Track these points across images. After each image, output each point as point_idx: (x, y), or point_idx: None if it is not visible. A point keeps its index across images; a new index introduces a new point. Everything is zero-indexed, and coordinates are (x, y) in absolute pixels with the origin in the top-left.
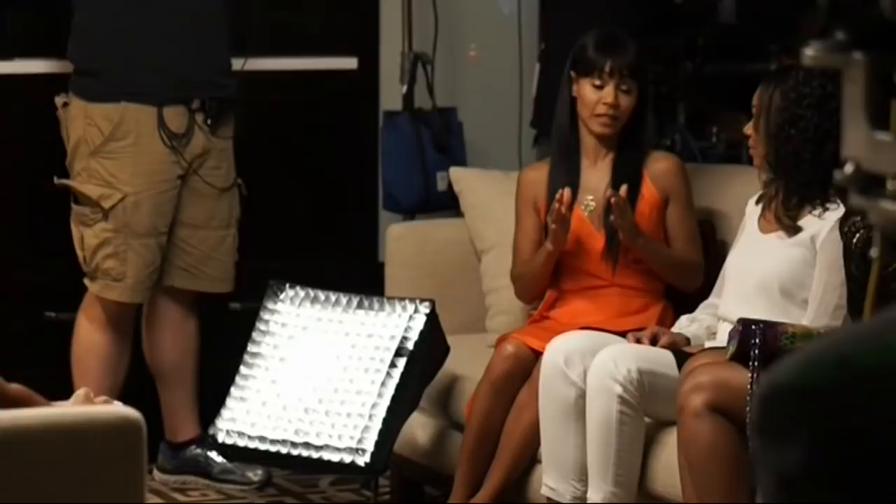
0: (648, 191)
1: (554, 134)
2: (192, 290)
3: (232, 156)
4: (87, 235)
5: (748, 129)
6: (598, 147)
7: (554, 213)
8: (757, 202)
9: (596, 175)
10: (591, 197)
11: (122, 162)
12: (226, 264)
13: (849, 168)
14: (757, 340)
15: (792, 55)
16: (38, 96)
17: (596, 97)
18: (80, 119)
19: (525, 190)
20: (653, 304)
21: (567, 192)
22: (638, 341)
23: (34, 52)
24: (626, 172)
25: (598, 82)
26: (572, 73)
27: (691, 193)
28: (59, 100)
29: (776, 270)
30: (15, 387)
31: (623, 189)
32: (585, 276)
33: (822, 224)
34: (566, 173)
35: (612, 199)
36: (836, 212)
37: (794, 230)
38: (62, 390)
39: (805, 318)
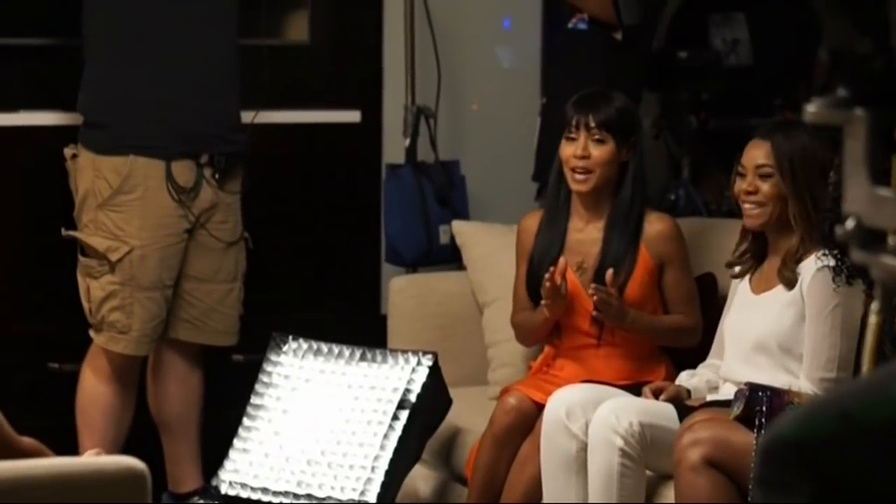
0: (643, 257)
1: (546, 194)
2: (196, 342)
3: (239, 210)
4: (93, 287)
5: (748, 185)
6: (589, 208)
7: (545, 289)
8: (739, 274)
9: (588, 237)
10: (581, 259)
11: (129, 215)
12: (231, 317)
13: (850, 223)
14: (763, 408)
15: (795, 110)
16: (47, 148)
17: (570, 151)
18: (89, 171)
19: (521, 238)
20: (652, 367)
21: (562, 261)
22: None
23: (42, 104)
24: (620, 242)
25: (572, 136)
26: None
27: (687, 255)
28: (67, 151)
29: (771, 330)
30: (27, 441)
31: (609, 275)
32: (578, 336)
33: (804, 274)
34: (550, 235)
35: (595, 298)
36: (815, 260)
37: (796, 280)
38: (66, 442)
39: (801, 372)
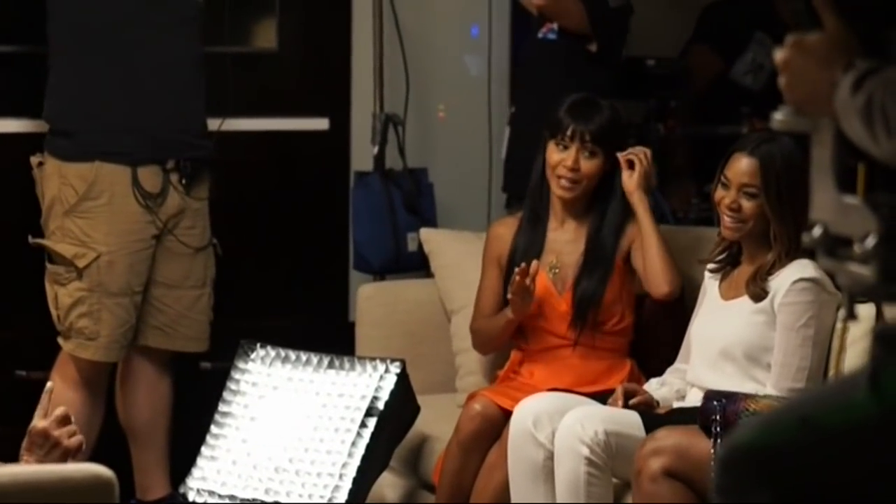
0: (617, 264)
1: (527, 194)
2: (166, 349)
3: (207, 216)
4: (61, 294)
5: (731, 201)
6: (567, 211)
7: (514, 284)
8: (713, 271)
9: (563, 238)
10: (554, 258)
11: (96, 221)
12: (200, 324)
13: (817, 231)
14: (717, 417)
15: (763, 118)
16: (13, 156)
17: (559, 158)
18: (55, 178)
19: (492, 245)
20: (618, 365)
21: (534, 264)
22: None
23: (7, 111)
24: (603, 250)
25: (562, 144)
26: (546, 135)
27: None
28: (34, 159)
29: (738, 337)
30: None
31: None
32: (549, 337)
33: (778, 285)
34: (531, 235)
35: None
36: (792, 272)
37: (764, 295)
38: None
39: (769, 382)
